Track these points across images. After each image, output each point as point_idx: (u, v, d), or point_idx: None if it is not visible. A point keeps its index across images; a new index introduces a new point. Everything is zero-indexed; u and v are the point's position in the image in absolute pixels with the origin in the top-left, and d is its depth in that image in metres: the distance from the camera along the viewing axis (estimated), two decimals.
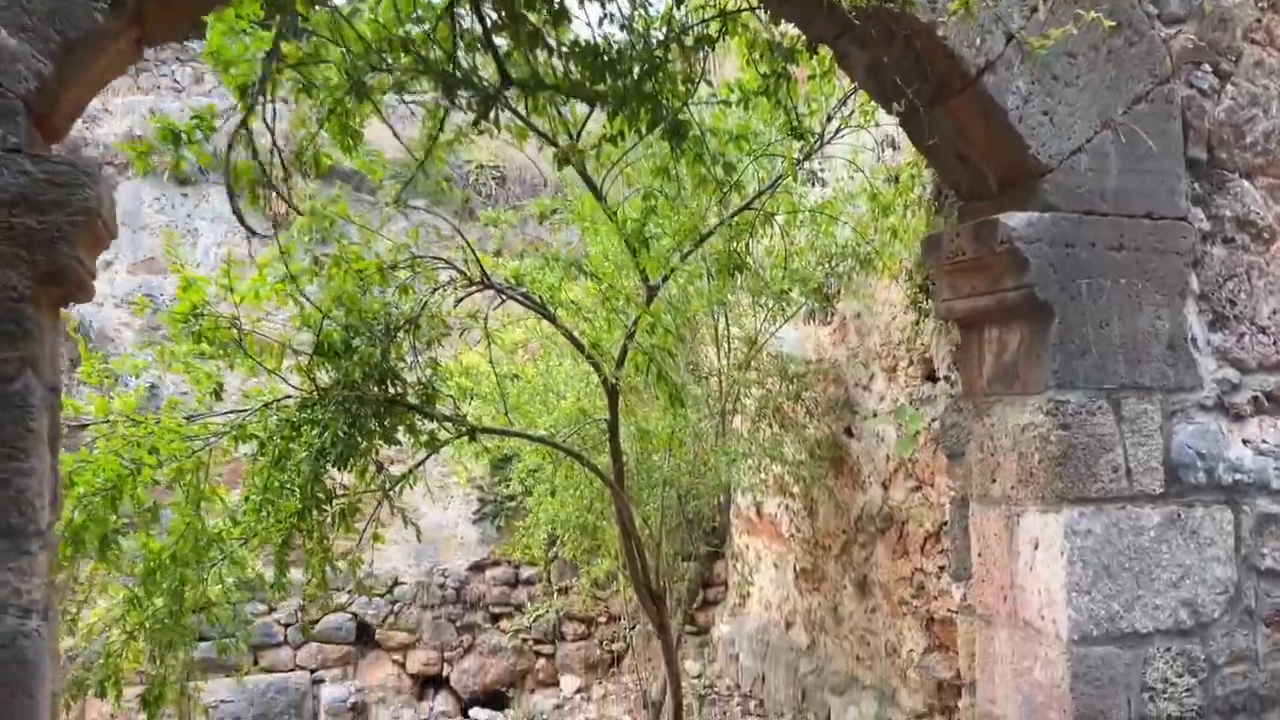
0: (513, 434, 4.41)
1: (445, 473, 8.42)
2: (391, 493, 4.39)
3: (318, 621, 8.26)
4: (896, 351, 5.94)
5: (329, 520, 3.56)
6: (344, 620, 8.33)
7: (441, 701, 8.44)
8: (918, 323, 4.86)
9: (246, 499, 3.43)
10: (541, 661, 8.68)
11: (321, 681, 8.22)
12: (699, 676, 8.31)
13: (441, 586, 8.51)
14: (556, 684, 8.60)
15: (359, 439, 3.58)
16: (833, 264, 5.91)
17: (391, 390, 3.81)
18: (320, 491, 3.40)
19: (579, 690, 8.41)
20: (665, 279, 3.99)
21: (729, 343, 6.18)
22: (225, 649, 4.46)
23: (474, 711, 8.25)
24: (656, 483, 5.21)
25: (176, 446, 2.98)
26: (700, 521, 5.88)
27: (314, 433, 3.40)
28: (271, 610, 8.18)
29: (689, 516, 5.69)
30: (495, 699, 8.41)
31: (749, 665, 7.94)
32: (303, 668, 8.21)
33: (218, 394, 3.21)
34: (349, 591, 8.38)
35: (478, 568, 8.66)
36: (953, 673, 5.61)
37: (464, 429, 4.05)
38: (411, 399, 3.91)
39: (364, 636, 8.44)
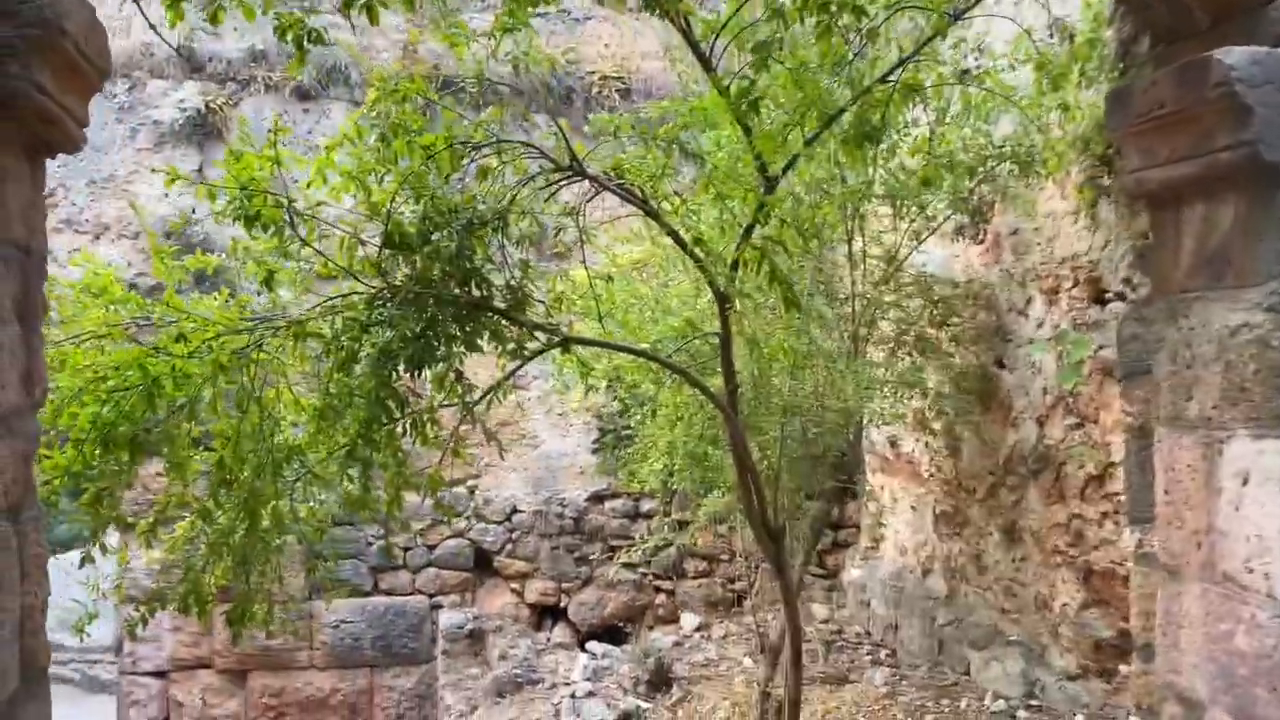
0: (609, 345, 3.96)
1: (569, 399, 8.12)
2: (483, 409, 4.03)
3: (434, 548, 8.16)
4: (1059, 270, 5.20)
5: (402, 432, 3.19)
6: (462, 546, 8.19)
7: (559, 633, 8.25)
8: (1092, 224, 4.14)
9: (308, 406, 3.11)
10: (661, 597, 8.36)
11: (440, 607, 8.13)
12: (826, 621, 7.82)
13: (560, 516, 8.26)
14: (676, 621, 8.27)
15: (435, 343, 3.20)
16: (987, 167, 5.19)
17: (476, 293, 3.42)
18: (389, 398, 3.04)
19: (699, 628, 8.06)
20: (787, 169, 3.43)
21: (865, 260, 5.56)
22: (314, 569, 4.23)
23: (591, 644, 8.01)
24: (776, 410, 4.68)
25: (228, 341, 2.66)
26: (827, 456, 5.33)
27: (383, 333, 3.04)
28: (391, 533, 8.11)
29: (813, 450, 5.15)
30: (613, 633, 8.15)
31: (881, 612, 7.40)
32: (422, 592, 8.14)
33: (269, 283, 2.87)
34: (467, 518, 8.24)
35: (597, 499, 8.37)
36: (1115, 632, 4.95)
37: (556, 338, 3.62)
38: (498, 304, 3.52)
39: (482, 564, 8.30)
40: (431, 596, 8.15)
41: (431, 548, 8.17)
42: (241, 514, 3.46)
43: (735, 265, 3.57)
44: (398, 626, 8.03)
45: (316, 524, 4.12)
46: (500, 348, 3.50)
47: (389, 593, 8.09)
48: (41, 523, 1.95)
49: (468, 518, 8.26)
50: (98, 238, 7.80)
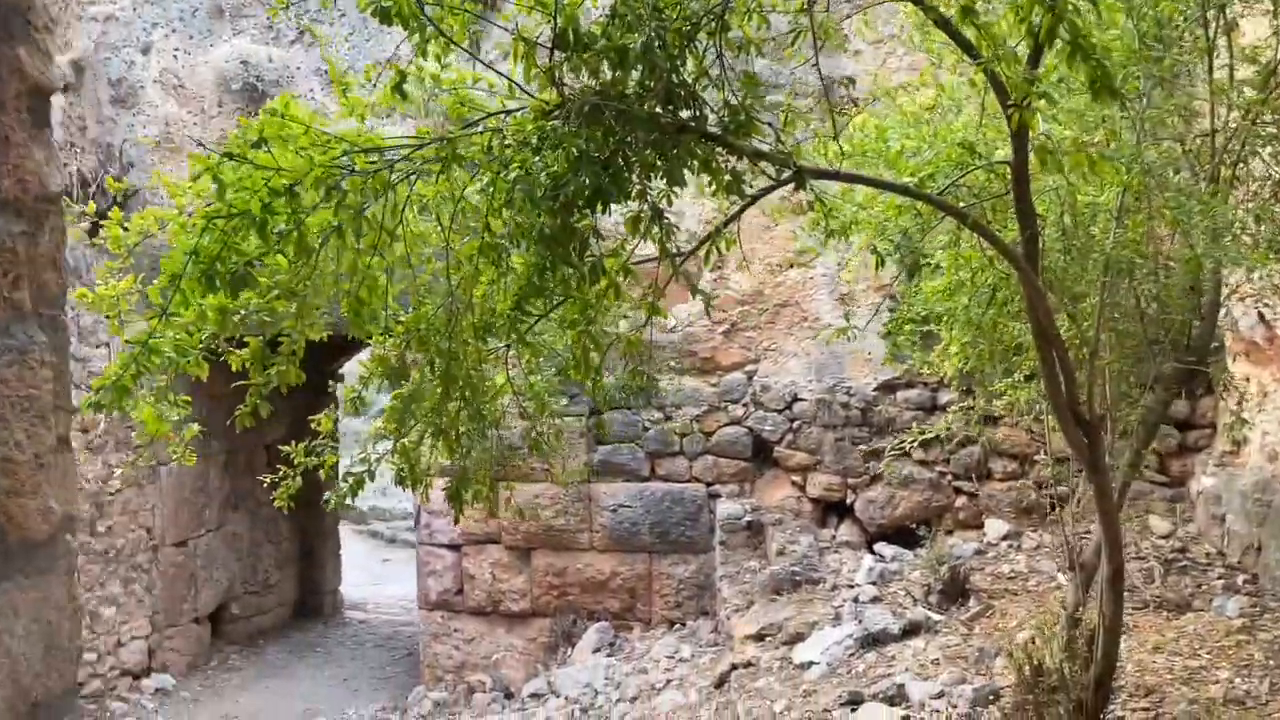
0: (856, 179, 3.15)
1: (855, 275, 7.29)
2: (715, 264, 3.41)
3: (711, 435, 7.74)
4: None
5: (581, 281, 2.64)
6: (740, 435, 7.71)
7: (845, 531, 7.60)
8: None
9: (466, 249, 2.63)
10: (962, 500, 7.44)
11: (717, 496, 7.76)
12: (1166, 537, 6.55)
13: (845, 406, 7.53)
14: (979, 527, 7.33)
15: (626, 172, 2.60)
16: None
17: (683, 113, 2.76)
18: (566, 238, 2.49)
19: (1006, 537, 7.08)
20: None
21: (1230, 73, 4.21)
22: (537, 445, 3.87)
23: (880, 546, 7.30)
24: (1095, 267, 3.64)
25: (357, 161, 2.21)
26: (1167, 334, 4.18)
27: (558, 158, 2.48)
28: (668, 418, 7.80)
29: (1148, 323, 4.03)
30: (904, 536, 7.38)
31: (1239, 530, 6.04)
32: (699, 480, 7.80)
33: (400, 89, 2.38)
34: (745, 405, 7.73)
35: (888, 388, 7.52)
36: None
37: (788, 169, 2.89)
38: (712, 129, 2.84)
39: (761, 454, 7.79)
40: (709, 485, 7.78)
41: (709, 435, 7.77)
42: (438, 382, 3.10)
43: (1036, 61, 2.65)
44: (675, 514, 7.76)
45: (534, 395, 3.73)
46: (713, 183, 2.83)
47: (666, 479, 7.82)
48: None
49: (745, 405, 7.74)
50: None
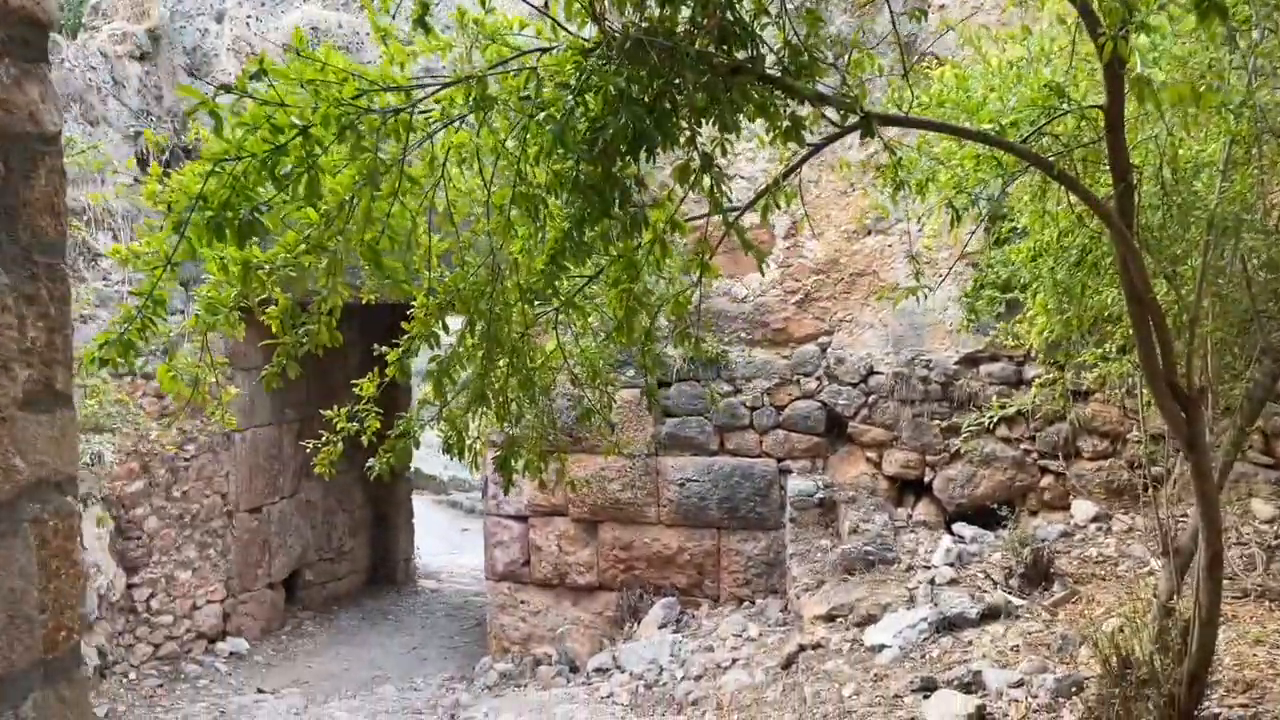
0: (928, 125, 2.88)
1: (937, 244, 6.95)
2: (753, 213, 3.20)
3: (782, 408, 7.49)
4: None
5: (623, 233, 2.44)
6: (813, 409, 7.46)
7: (922, 510, 7.31)
8: None
9: (496, 198, 2.45)
10: (1048, 479, 7.07)
11: (788, 472, 7.52)
12: (1270, 523, 6.12)
13: (924, 380, 7.21)
14: (1065, 508, 6.96)
15: (673, 116, 2.39)
16: None
17: (738, 53, 2.54)
18: (607, 187, 2.29)
19: (1094, 519, 6.71)
20: None
21: None
22: (588, 415, 3.71)
23: (958, 526, 7.00)
24: (1198, 225, 3.31)
25: (376, 98, 2.05)
26: (1277, 301, 3.81)
27: (597, 99, 2.29)
28: (738, 391, 7.58)
29: (1255, 290, 3.68)
30: (985, 516, 7.05)
31: None
32: (769, 455, 7.57)
33: (423, 22, 2.20)
34: (817, 378, 7.46)
35: (969, 361, 7.18)
36: None
37: (854, 114, 2.65)
38: (770, 70, 2.61)
39: (835, 429, 7.52)
40: (779, 460, 7.55)
41: (780, 408, 7.53)
42: (479, 345, 2.95)
43: None
44: (744, 489, 7.56)
45: (586, 362, 3.56)
46: (771, 129, 2.60)
47: (735, 453, 7.61)
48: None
49: (818, 378, 7.47)
50: None
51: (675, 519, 7.68)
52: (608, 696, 6.56)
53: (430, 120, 2.34)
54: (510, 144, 2.34)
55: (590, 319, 3.48)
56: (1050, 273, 3.52)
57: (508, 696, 7.10)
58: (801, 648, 6.10)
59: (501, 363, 3.15)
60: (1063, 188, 3.05)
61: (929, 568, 6.58)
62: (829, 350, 7.45)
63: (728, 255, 7.54)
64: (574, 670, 7.40)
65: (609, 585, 7.88)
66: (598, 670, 7.11)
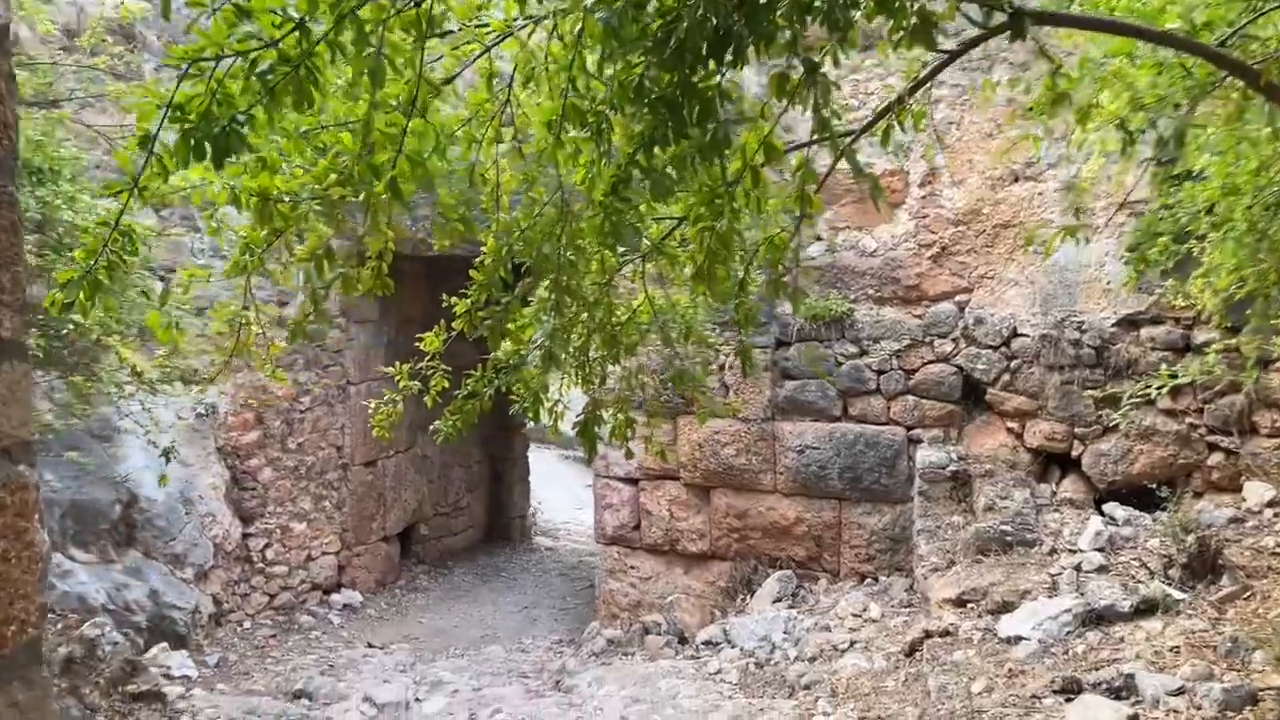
0: (1102, 24, 2.30)
1: (1095, 189, 6.21)
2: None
3: (913, 373, 6.89)
4: None
5: (706, 158, 1.99)
6: (947, 373, 6.83)
7: (1068, 487, 6.62)
8: None
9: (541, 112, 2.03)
10: (1217, 457, 6.27)
11: (918, 441, 6.94)
12: None
13: (1075, 344, 6.48)
14: (1237, 490, 6.17)
15: (768, 11, 1.92)
16: None
17: None
18: (686, 98, 1.85)
19: (1271, 504, 5.91)
20: None
21: None
22: (681, 377, 3.29)
23: (1110, 507, 6.29)
24: None
25: None
26: None
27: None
28: (864, 353, 7.02)
29: None
30: (1141, 496, 6.31)
31: None
32: (897, 423, 7.00)
33: None
34: (953, 340, 6.82)
35: (1129, 323, 6.41)
36: None
37: (1002, 11, 2.12)
38: None
39: (971, 395, 6.89)
40: (908, 429, 6.97)
41: (909, 372, 6.94)
42: (547, 295, 2.57)
43: None
44: (868, 459, 7.02)
45: (679, 317, 3.15)
46: (895, 28, 2.09)
47: (859, 420, 7.07)
48: None
49: (954, 340, 6.84)
50: None
51: (793, 488, 7.21)
52: (716, 673, 6.20)
53: (478, 29, 1.94)
54: (562, 48, 1.92)
55: (685, 268, 3.04)
56: (1245, 214, 2.88)
57: (614, 665, 6.83)
58: (927, 634, 5.58)
59: (574, 315, 2.76)
60: (1268, 103, 2.43)
61: (1074, 552, 5.93)
62: (967, 310, 6.79)
63: (855, 205, 6.96)
64: (682, 641, 7.07)
65: (721, 554, 7.50)
66: (707, 643, 6.76)
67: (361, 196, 2.13)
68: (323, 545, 8.56)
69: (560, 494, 14.19)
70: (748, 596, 7.25)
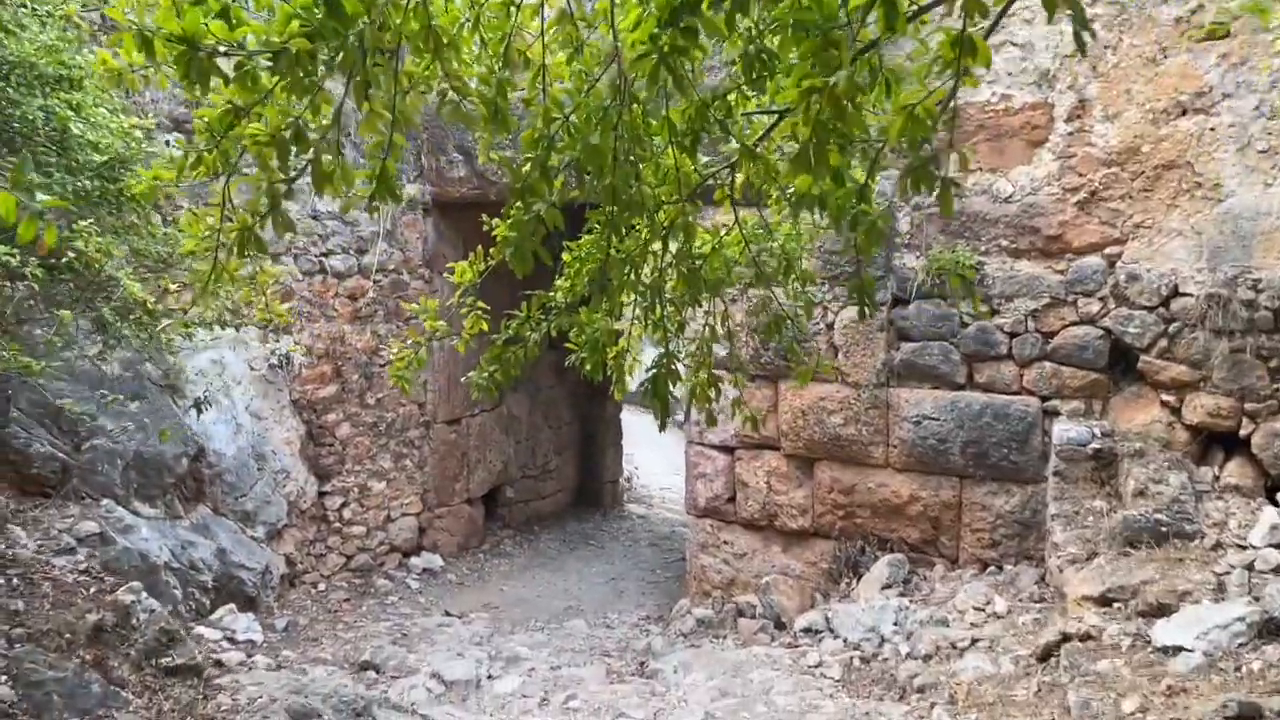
0: None
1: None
2: None
3: (1051, 336, 6.03)
4: None
5: None
6: (1092, 337, 5.96)
7: (1234, 472, 5.69)
8: None
9: None
10: None
11: (1055, 414, 6.10)
12: None
13: (1250, 305, 5.52)
14: None
15: None
16: None
17: None
18: None
19: None
20: None
21: None
22: (777, 326, 2.63)
23: None
24: None
25: None
26: None
27: None
28: (994, 312, 6.19)
29: None
30: None
31: None
32: (1031, 392, 6.16)
33: None
34: (1100, 298, 5.93)
35: None
36: None
37: None
38: None
39: (1120, 363, 6.00)
40: (1044, 399, 6.13)
41: (1047, 335, 6.08)
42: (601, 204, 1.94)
43: None
44: (995, 432, 6.21)
45: (776, 248, 2.48)
46: None
47: (986, 388, 6.26)
48: None
49: (1101, 298, 5.94)
50: None
51: (907, 462, 6.46)
52: (815, 666, 5.56)
53: None
54: None
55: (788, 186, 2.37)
56: None
57: (703, 649, 6.25)
58: (1065, 636, 4.81)
59: (650, 244, 2.12)
60: None
61: (1244, 548, 5.06)
62: (1118, 264, 5.88)
63: (989, 143, 6.10)
64: (779, 627, 6.43)
65: (824, 532, 6.81)
66: (806, 631, 6.11)
67: (339, 58, 1.52)
68: (403, 506, 8.19)
69: (658, 459, 13.65)
70: (853, 580, 6.55)
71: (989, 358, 6.22)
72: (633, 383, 2.82)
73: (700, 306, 2.47)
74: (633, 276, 2.14)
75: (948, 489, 6.38)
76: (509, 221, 1.97)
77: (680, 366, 2.60)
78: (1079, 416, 6.04)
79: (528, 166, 1.90)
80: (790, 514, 6.91)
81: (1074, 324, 6.01)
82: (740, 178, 2.22)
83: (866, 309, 2.40)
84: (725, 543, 7.26)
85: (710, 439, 7.16)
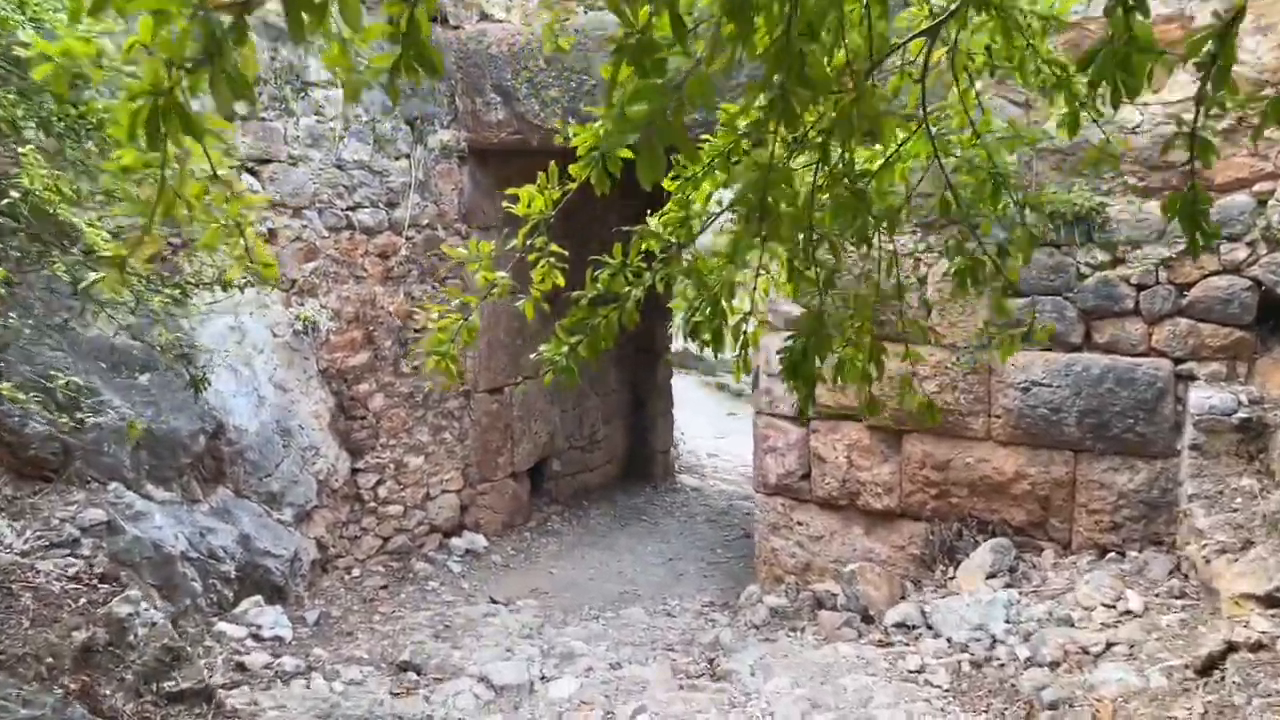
0: None
1: None
2: None
3: (1187, 288, 5.20)
4: None
5: None
6: (1237, 289, 5.12)
7: None
8: None
9: None
10: None
11: (1190, 378, 5.28)
12: None
13: None
14: None
15: None
16: None
17: None
18: None
19: None
20: None
21: None
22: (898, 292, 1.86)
23: None
24: None
25: None
26: None
27: None
28: (1118, 261, 5.36)
29: None
30: None
31: None
32: (1160, 353, 5.34)
33: None
34: (1247, 243, 5.09)
35: None
36: None
37: None
38: None
39: (1271, 319, 5.16)
40: (1177, 362, 5.31)
41: (1182, 288, 5.25)
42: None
43: None
44: (1119, 399, 5.40)
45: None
46: None
47: (1107, 349, 5.44)
48: None
49: (1249, 243, 5.10)
50: None
51: (1013, 434, 5.67)
52: (917, 672, 4.84)
53: None
54: None
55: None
56: None
57: (780, 645, 5.55)
58: (1230, 646, 4.04)
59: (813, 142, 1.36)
60: None
61: None
62: (1270, 203, 5.03)
63: None
64: (866, 620, 5.70)
65: (914, 513, 6.06)
66: (899, 626, 5.39)
67: None
68: (443, 482, 7.54)
69: (701, 422, 12.94)
70: (950, 567, 5.81)
71: (1111, 314, 5.39)
72: (756, 355, 2.07)
73: (872, 245, 1.72)
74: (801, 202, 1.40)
75: (1060, 464, 5.59)
76: (630, 88, 1.23)
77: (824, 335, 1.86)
78: (1219, 381, 5.22)
79: (647, 7, 1.16)
80: (874, 492, 6.16)
81: (1215, 273, 5.17)
82: (938, 54, 1.46)
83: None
84: (799, 524, 6.53)
85: (782, 408, 6.40)
